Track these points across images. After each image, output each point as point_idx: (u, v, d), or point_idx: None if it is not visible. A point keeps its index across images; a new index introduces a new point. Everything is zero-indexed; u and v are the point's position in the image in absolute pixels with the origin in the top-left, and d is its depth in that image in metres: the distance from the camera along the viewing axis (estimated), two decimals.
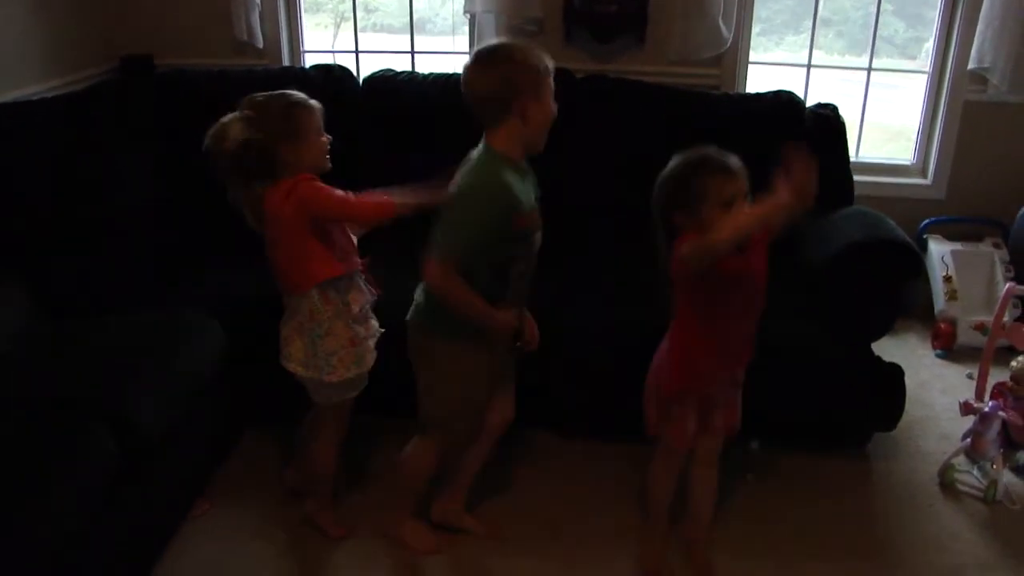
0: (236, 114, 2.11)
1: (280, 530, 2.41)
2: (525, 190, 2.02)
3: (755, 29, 3.57)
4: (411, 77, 3.37)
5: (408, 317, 2.15)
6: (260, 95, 2.12)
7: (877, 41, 3.60)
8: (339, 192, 2.10)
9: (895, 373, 2.58)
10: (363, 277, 2.23)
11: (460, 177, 1.99)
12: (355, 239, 2.22)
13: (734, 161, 1.93)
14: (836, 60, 3.71)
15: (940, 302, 3.40)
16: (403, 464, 2.28)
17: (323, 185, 2.10)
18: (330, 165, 2.16)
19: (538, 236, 2.08)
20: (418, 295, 2.13)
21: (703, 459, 2.22)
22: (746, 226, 1.85)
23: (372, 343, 2.24)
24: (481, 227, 1.95)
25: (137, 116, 3.18)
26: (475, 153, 2.02)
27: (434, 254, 1.95)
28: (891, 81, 3.83)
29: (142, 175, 3.08)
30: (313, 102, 2.15)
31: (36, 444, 1.93)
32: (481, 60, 1.97)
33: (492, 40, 2.17)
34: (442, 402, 2.17)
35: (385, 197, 2.13)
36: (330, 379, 2.18)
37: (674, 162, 1.97)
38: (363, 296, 2.22)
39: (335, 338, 2.16)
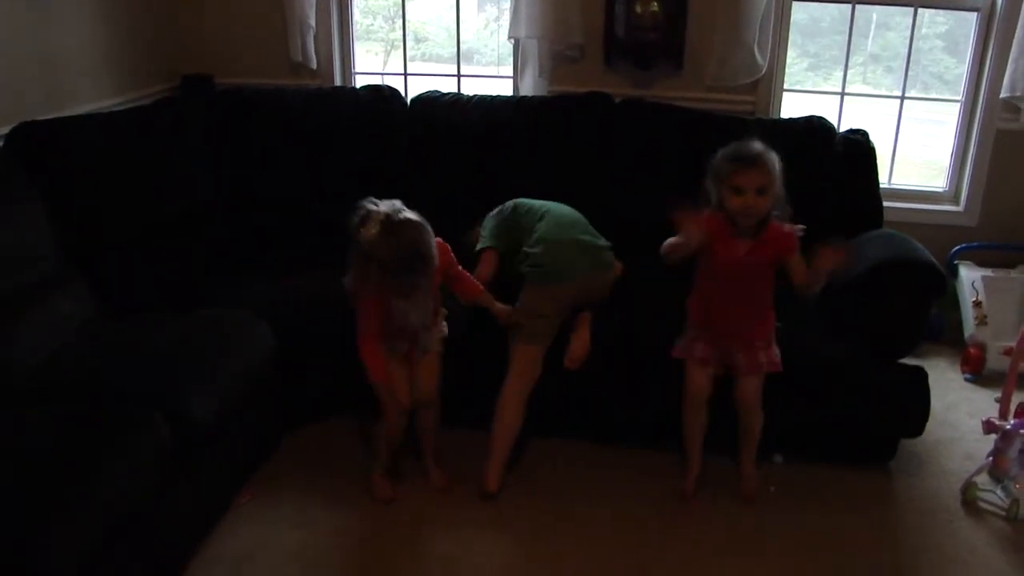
0: (386, 222, 2.25)
1: (319, 523, 2.50)
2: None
3: (804, 64, 3.67)
4: (456, 98, 3.51)
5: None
6: (413, 227, 2.27)
7: (928, 77, 3.67)
8: (367, 324, 2.42)
9: (919, 376, 2.62)
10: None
11: None
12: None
13: (763, 157, 2.33)
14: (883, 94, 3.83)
15: (970, 327, 3.43)
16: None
17: (370, 309, 2.40)
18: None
19: None
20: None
21: (739, 401, 2.51)
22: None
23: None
24: None
25: (195, 129, 3.31)
26: None
27: None
28: (941, 118, 3.89)
29: (198, 184, 3.22)
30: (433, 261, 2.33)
31: (97, 428, 2.04)
32: None
33: None
34: None
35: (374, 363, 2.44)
36: None
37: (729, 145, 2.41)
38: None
39: None
